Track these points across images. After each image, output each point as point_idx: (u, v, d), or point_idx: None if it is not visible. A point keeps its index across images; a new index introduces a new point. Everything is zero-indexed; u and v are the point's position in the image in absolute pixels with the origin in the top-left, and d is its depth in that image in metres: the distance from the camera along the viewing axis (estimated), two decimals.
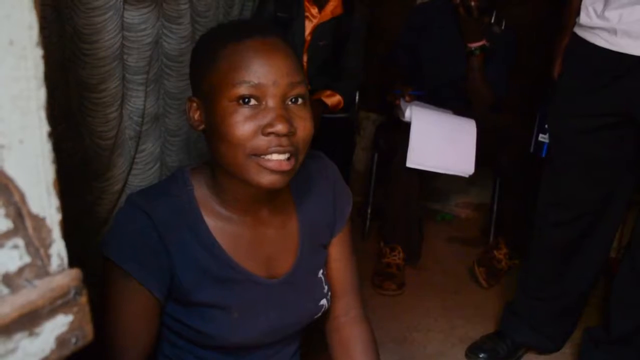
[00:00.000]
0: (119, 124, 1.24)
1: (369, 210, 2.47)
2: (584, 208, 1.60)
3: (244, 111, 0.79)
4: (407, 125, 2.02)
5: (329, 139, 2.19)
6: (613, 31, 1.41)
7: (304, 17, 2.21)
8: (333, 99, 2.21)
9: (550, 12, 2.34)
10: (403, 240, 2.17)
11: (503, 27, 2.28)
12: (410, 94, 2.10)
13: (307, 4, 2.21)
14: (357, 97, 2.52)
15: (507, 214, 2.32)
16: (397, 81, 2.23)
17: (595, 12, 1.46)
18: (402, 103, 2.09)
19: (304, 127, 0.83)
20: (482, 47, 2.17)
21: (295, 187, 0.98)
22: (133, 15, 1.18)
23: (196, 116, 0.87)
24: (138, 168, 1.38)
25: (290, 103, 0.82)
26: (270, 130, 0.79)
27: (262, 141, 0.79)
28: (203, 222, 0.88)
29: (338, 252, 1.06)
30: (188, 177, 0.90)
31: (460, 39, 2.20)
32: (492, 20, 2.26)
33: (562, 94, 1.59)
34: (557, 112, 1.61)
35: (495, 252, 2.26)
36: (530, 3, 2.48)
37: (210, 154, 0.88)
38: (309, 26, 2.23)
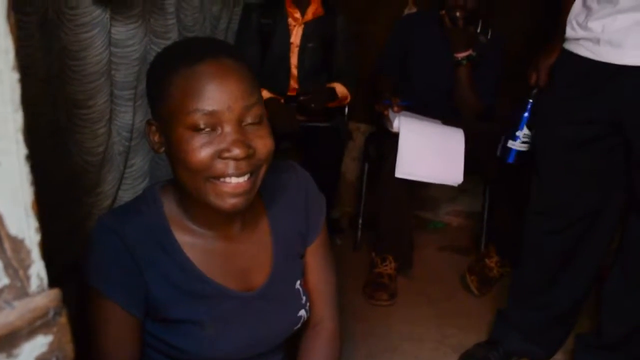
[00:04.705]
0: (107, 140, 1.25)
1: (360, 221, 2.47)
2: (574, 216, 1.60)
3: (200, 137, 0.79)
4: (396, 136, 2.03)
5: (318, 150, 2.21)
6: (596, 41, 1.43)
7: (287, 22, 2.25)
8: (343, 90, 2.28)
9: (536, 20, 2.37)
10: (394, 250, 2.17)
11: (489, 37, 2.30)
12: (399, 104, 2.11)
13: (289, 9, 2.25)
14: (346, 108, 2.53)
15: (497, 222, 2.33)
16: (386, 91, 2.24)
17: (579, 24, 1.48)
18: (391, 114, 2.10)
19: (264, 145, 0.83)
20: (469, 57, 2.19)
21: (267, 198, 0.99)
22: (120, 31, 1.19)
23: (155, 138, 0.87)
24: (127, 183, 1.39)
25: (246, 124, 0.82)
26: (227, 155, 0.79)
27: (220, 164, 0.80)
28: (174, 238, 0.88)
29: (313, 262, 1.05)
30: (158, 195, 0.91)
31: (447, 49, 2.21)
32: (479, 30, 2.28)
33: (549, 104, 1.61)
34: (544, 122, 1.62)
35: (486, 260, 2.27)
36: (515, 12, 2.50)
37: (173, 176, 0.88)
38: (294, 30, 2.26)
